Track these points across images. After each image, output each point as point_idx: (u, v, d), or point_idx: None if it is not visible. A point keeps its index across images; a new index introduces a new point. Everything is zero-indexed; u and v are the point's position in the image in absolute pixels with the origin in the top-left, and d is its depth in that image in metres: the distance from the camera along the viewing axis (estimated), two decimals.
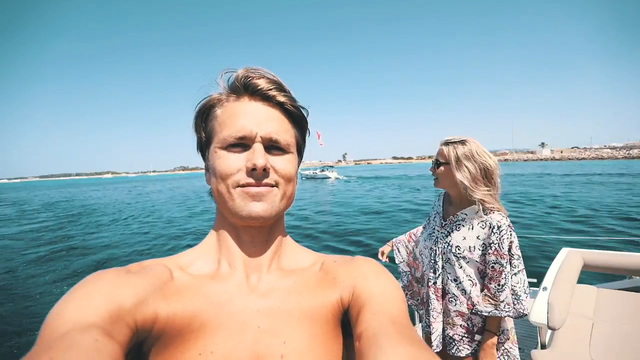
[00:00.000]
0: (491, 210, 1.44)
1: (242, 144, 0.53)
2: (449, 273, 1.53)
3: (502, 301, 1.39)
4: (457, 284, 1.51)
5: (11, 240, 12.09)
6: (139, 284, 0.46)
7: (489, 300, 1.43)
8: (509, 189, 20.85)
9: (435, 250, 1.58)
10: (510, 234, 1.41)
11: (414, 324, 1.97)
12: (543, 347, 2.11)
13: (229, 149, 0.53)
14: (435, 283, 1.58)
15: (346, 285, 0.55)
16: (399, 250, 2.01)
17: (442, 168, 1.53)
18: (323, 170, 48.51)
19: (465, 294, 1.49)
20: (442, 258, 1.56)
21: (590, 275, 3.29)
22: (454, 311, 1.53)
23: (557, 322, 1.82)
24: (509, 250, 1.41)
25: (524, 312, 1.41)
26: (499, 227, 1.40)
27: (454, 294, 1.51)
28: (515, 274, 1.42)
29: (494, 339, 1.46)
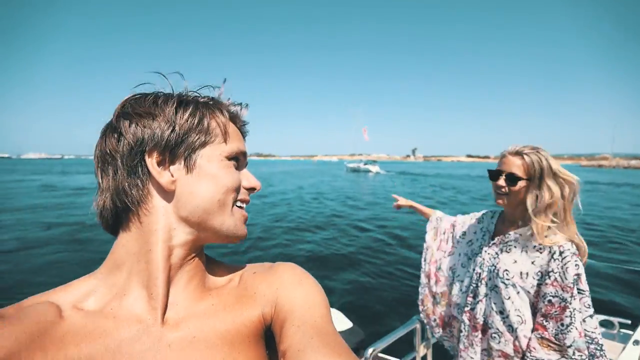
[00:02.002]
0: (554, 232, 1.19)
1: (237, 161, 0.53)
2: (495, 303, 1.27)
3: (570, 346, 1.10)
4: (502, 318, 1.25)
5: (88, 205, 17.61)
6: (10, 336, 0.38)
7: (549, 345, 1.14)
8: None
9: (480, 273, 1.34)
10: (577, 264, 1.14)
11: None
12: None
13: (230, 162, 0.52)
14: (473, 309, 1.35)
15: (267, 300, 0.52)
16: (434, 231, 1.71)
17: (521, 183, 1.23)
18: (366, 164, 52.14)
19: (512, 331, 1.23)
20: (487, 284, 1.31)
21: None
22: (497, 350, 1.27)
23: None
24: (575, 283, 1.13)
25: None
26: (561, 253, 1.15)
27: (497, 329, 1.25)
28: (590, 315, 1.14)
29: None
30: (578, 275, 1.14)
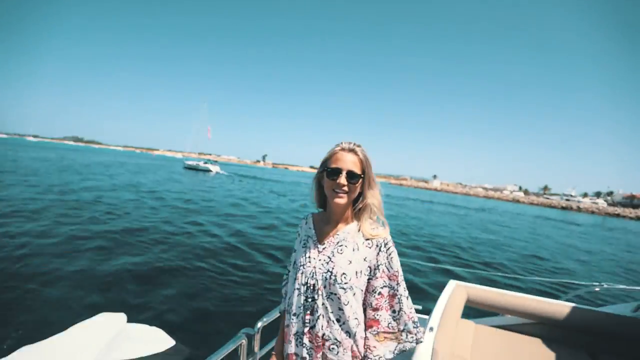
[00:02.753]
0: (375, 227, 1.21)
1: None
2: (331, 312, 1.17)
3: (403, 330, 1.15)
4: (340, 325, 1.16)
5: None
6: None
7: (385, 337, 1.15)
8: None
9: (314, 284, 1.19)
10: (395, 253, 1.19)
11: None
12: None
13: None
14: (313, 327, 1.19)
15: None
16: None
17: (359, 180, 1.20)
18: (206, 163, 50.07)
19: (350, 336, 1.16)
20: (323, 294, 1.17)
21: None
22: None
23: None
24: (398, 271, 1.18)
25: (421, 341, 1.18)
26: (385, 244, 1.18)
27: (335, 339, 1.15)
28: (407, 297, 1.18)
29: None
30: (398, 261, 1.19)
